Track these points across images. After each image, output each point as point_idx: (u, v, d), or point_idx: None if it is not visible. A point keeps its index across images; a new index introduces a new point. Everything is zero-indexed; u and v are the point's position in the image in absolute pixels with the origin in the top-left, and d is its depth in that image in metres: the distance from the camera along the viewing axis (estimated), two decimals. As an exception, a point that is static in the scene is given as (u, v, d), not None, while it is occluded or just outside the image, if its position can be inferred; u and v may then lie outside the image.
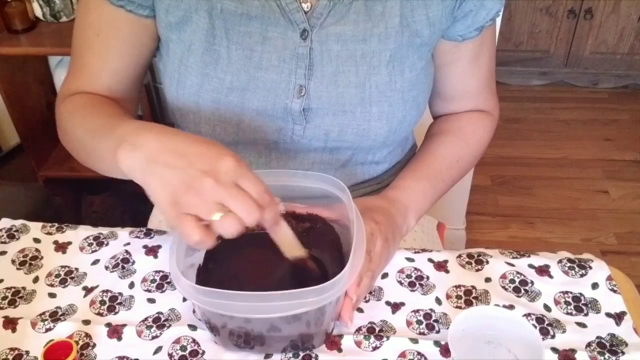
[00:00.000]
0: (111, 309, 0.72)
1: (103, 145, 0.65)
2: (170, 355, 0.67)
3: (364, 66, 0.76)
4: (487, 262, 0.78)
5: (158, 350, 0.67)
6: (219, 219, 0.54)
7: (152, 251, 0.80)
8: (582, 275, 0.76)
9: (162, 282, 0.76)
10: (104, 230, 0.84)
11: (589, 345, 0.68)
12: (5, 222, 0.85)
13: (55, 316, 0.71)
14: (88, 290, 0.75)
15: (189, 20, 0.75)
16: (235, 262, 0.72)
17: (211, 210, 0.54)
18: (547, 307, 0.72)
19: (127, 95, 0.83)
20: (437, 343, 0.68)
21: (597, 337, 0.69)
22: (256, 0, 0.73)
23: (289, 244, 0.64)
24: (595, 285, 0.75)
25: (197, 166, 0.54)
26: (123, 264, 0.78)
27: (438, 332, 0.70)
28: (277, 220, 0.60)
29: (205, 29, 0.74)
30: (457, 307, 0.72)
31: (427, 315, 0.71)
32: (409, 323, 0.71)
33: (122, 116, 0.73)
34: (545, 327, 0.70)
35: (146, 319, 0.71)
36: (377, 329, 0.70)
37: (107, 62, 0.79)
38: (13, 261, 0.79)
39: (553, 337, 0.69)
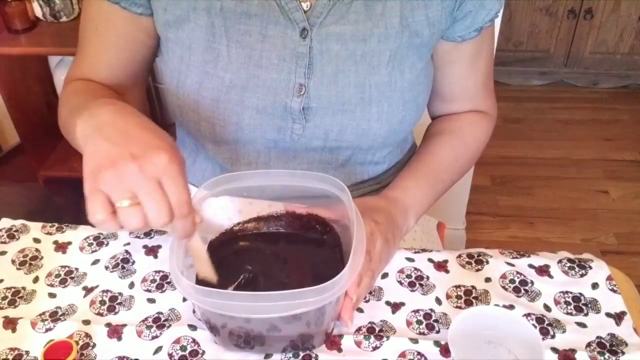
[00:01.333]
0: (111, 309, 0.72)
1: (74, 119, 0.66)
2: (170, 355, 0.67)
3: (363, 66, 0.76)
4: (487, 262, 0.78)
5: (158, 350, 0.67)
6: (125, 207, 0.52)
7: (152, 251, 0.80)
8: (582, 275, 0.76)
9: (162, 282, 0.76)
10: (104, 231, 0.84)
11: (589, 345, 0.68)
12: (5, 222, 0.85)
13: (55, 316, 0.71)
14: (88, 290, 0.75)
15: (187, 19, 0.75)
16: (236, 261, 0.72)
17: (121, 194, 0.52)
18: (547, 307, 0.72)
19: (127, 90, 0.84)
20: (437, 343, 0.68)
21: (597, 337, 0.69)
22: None
23: (199, 260, 0.64)
24: (595, 285, 0.75)
25: (131, 149, 0.53)
26: (123, 264, 0.78)
27: (438, 332, 0.70)
28: (188, 233, 0.59)
29: (205, 28, 0.74)
30: (457, 307, 0.72)
31: (427, 315, 0.71)
32: (409, 323, 0.71)
33: (105, 96, 0.74)
34: (545, 327, 0.70)
35: (146, 319, 0.71)
36: (377, 329, 0.70)
37: (104, 55, 0.81)
38: (13, 261, 0.79)
39: (553, 337, 0.69)
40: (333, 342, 0.68)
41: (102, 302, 0.73)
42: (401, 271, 0.77)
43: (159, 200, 0.53)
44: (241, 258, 0.72)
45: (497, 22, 0.85)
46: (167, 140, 0.56)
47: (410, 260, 0.79)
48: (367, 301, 0.73)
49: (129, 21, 0.78)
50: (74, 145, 0.74)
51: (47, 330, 0.70)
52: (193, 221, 0.58)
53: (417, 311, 0.72)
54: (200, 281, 0.65)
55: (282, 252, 0.73)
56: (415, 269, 0.77)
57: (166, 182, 0.53)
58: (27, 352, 0.67)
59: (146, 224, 0.53)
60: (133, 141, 0.54)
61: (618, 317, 0.71)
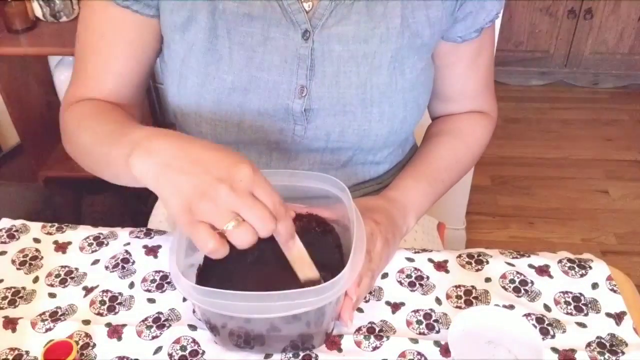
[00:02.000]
0: (111, 309, 0.72)
1: (114, 152, 0.64)
2: (170, 355, 0.67)
3: (365, 67, 0.76)
4: (487, 262, 0.78)
5: (158, 350, 0.67)
6: (232, 229, 0.53)
7: (152, 251, 0.80)
8: (582, 275, 0.76)
9: (162, 282, 0.76)
10: (104, 230, 0.84)
11: (589, 345, 0.68)
12: (5, 222, 0.85)
13: (55, 316, 0.71)
14: (88, 290, 0.75)
15: (194, 21, 0.74)
16: (235, 262, 0.72)
17: (225, 218, 0.53)
18: (547, 307, 0.72)
19: (133, 100, 0.82)
20: (437, 343, 0.68)
21: (597, 337, 0.69)
22: (258, 0, 0.73)
23: (302, 264, 0.63)
24: (595, 285, 0.75)
25: (213, 173, 0.53)
26: (123, 264, 0.78)
27: (438, 332, 0.70)
28: (292, 234, 0.59)
29: (208, 30, 0.74)
30: (457, 307, 0.72)
31: (427, 315, 0.71)
32: (409, 323, 0.71)
33: (131, 122, 0.72)
34: (545, 327, 0.70)
35: (146, 319, 0.71)
36: (377, 329, 0.70)
37: (112, 64, 0.78)
38: (13, 261, 0.79)
39: (553, 337, 0.69)
40: (333, 342, 0.68)
41: (102, 302, 0.73)
42: (401, 271, 0.77)
43: (261, 210, 0.53)
44: (241, 257, 0.72)
45: (497, 22, 0.85)
46: (235, 152, 0.56)
47: (410, 260, 0.79)
48: (367, 301, 0.73)
49: (139, 25, 0.76)
50: (102, 170, 0.71)
51: (47, 330, 0.70)
52: (292, 220, 0.58)
53: (417, 311, 0.72)
54: (305, 282, 0.64)
55: (282, 251, 0.73)
56: (415, 269, 0.77)
57: (257, 191, 0.54)
58: (27, 352, 0.67)
59: (256, 236, 0.54)
60: (209, 165, 0.54)
61: (618, 317, 0.71)
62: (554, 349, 0.67)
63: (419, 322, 0.71)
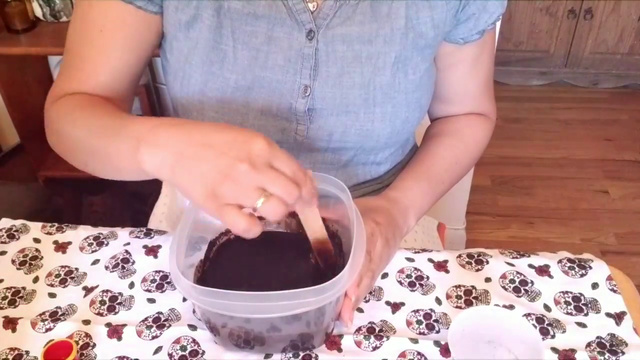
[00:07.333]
0: (111, 309, 0.72)
1: (113, 145, 0.63)
2: (170, 355, 0.67)
3: (369, 67, 0.76)
4: (487, 262, 0.78)
5: (158, 350, 0.67)
6: (262, 205, 0.53)
7: (152, 251, 0.80)
8: (582, 275, 0.76)
9: (162, 282, 0.76)
10: (104, 230, 0.84)
11: (589, 345, 0.68)
12: (5, 222, 0.85)
13: (55, 316, 0.71)
14: (88, 290, 0.75)
15: (199, 19, 0.74)
16: (235, 261, 0.72)
17: (252, 196, 0.52)
18: (547, 307, 0.72)
19: (124, 94, 0.81)
20: (437, 343, 0.68)
21: (597, 337, 0.69)
22: (263, 0, 0.73)
23: (313, 224, 0.65)
24: (595, 285, 0.75)
25: (229, 154, 0.53)
26: (123, 264, 0.78)
27: (438, 332, 0.70)
28: (315, 195, 0.59)
29: (213, 28, 0.74)
30: (457, 307, 0.72)
31: (427, 315, 0.71)
32: (409, 323, 0.71)
33: (125, 115, 0.70)
34: (545, 327, 0.70)
35: (146, 319, 0.71)
36: (377, 329, 0.70)
37: (109, 58, 0.77)
38: (13, 261, 0.79)
39: (553, 337, 0.69)
40: (333, 342, 0.68)
41: (102, 302, 0.73)
42: (401, 271, 0.77)
43: (284, 181, 0.53)
44: (241, 257, 0.72)
45: (497, 22, 0.85)
46: (242, 128, 0.56)
47: (410, 260, 0.79)
48: (367, 301, 0.73)
49: (140, 21, 0.75)
50: (99, 165, 0.69)
51: (47, 330, 0.70)
52: (313, 181, 0.59)
53: (417, 311, 0.72)
54: (313, 242, 0.67)
55: (282, 251, 0.73)
56: (415, 269, 0.77)
57: (275, 162, 0.54)
58: (27, 352, 0.67)
59: (286, 207, 0.54)
60: (223, 147, 0.54)
61: (618, 317, 0.71)
62: (554, 349, 0.67)
63: (419, 322, 0.71)
